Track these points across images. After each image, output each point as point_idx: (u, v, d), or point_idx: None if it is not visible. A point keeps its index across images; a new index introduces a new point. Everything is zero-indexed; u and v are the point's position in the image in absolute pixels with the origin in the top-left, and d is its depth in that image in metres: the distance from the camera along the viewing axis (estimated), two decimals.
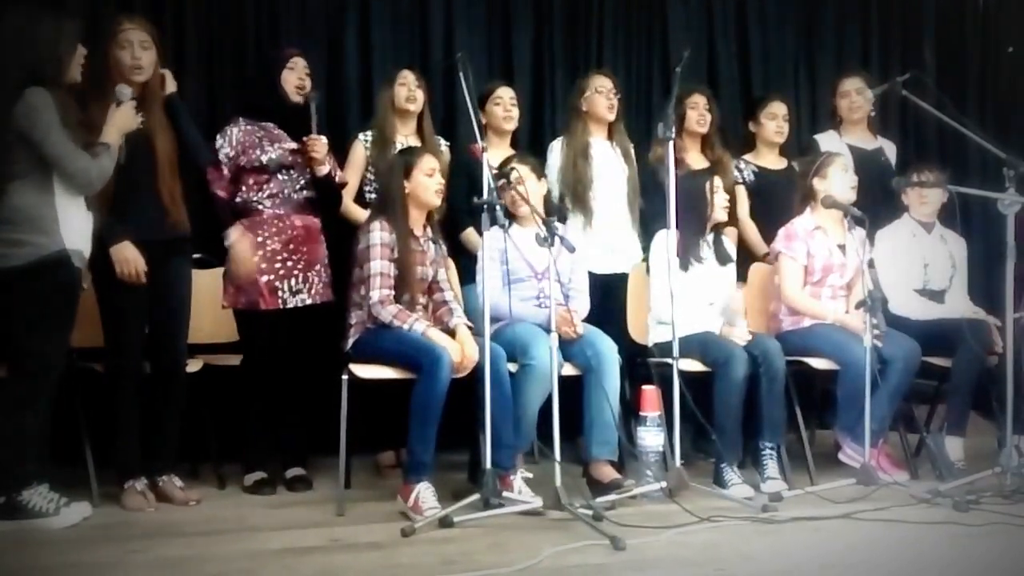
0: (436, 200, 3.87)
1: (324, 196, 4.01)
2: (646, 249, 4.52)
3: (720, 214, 4.25)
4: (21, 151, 3.28)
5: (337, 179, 4.05)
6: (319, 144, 3.86)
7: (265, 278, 3.85)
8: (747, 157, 4.89)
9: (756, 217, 4.78)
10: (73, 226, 3.36)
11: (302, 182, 3.94)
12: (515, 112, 4.53)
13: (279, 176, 3.90)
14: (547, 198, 4.19)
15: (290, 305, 3.87)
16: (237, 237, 3.83)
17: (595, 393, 3.84)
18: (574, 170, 4.47)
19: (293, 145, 3.91)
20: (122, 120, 3.44)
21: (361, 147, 4.34)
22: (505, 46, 5.12)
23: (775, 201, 4.67)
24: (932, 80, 5.23)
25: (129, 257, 3.54)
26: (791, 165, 4.86)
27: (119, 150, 3.43)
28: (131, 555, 3.06)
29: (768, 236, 4.61)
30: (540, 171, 4.19)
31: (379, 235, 3.72)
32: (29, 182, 3.30)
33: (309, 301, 3.91)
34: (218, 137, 3.89)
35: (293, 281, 3.89)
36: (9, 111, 3.25)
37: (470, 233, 4.27)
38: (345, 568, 2.97)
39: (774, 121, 4.85)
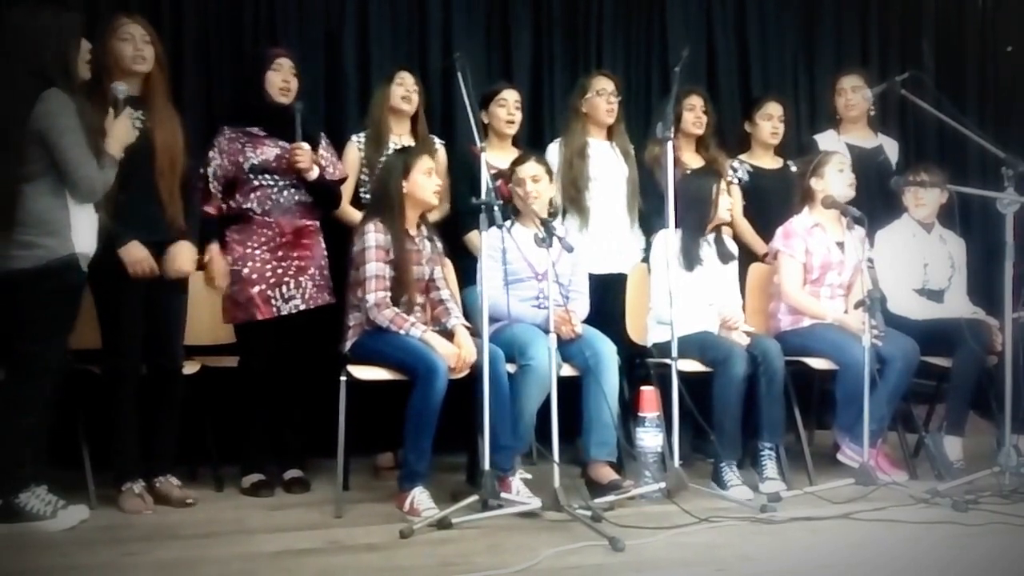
0: (434, 200, 3.87)
1: (318, 198, 4.00)
2: (648, 250, 4.52)
3: (723, 215, 4.25)
4: (37, 152, 3.27)
5: (337, 175, 4.04)
6: (302, 152, 3.84)
7: (257, 288, 3.85)
8: (742, 157, 4.90)
9: (750, 217, 4.78)
10: (82, 229, 3.36)
11: (291, 187, 3.92)
12: (518, 116, 4.52)
13: (265, 181, 3.89)
14: (551, 199, 4.20)
15: (284, 312, 3.87)
16: (212, 256, 3.86)
17: (594, 394, 3.83)
18: (570, 170, 4.46)
19: (277, 150, 3.89)
20: (122, 133, 3.43)
21: (355, 148, 4.33)
22: (504, 46, 5.12)
23: (770, 201, 4.69)
24: (931, 79, 5.23)
25: (140, 257, 3.54)
26: (786, 165, 4.87)
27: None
28: (129, 557, 3.06)
29: (762, 236, 4.64)
30: (552, 172, 4.21)
31: (374, 237, 3.71)
32: (43, 184, 3.29)
33: (303, 306, 3.90)
34: (210, 153, 3.89)
35: (284, 288, 3.88)
36: (19, 112, 3.25)
37: (474, 236, 4.25)
38: (343, 570, 2.96)
39: (769, 122, 4.85)
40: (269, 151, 3.90)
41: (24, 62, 3.29)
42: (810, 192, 4.35)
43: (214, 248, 3.87)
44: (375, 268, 3.68)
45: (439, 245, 3.99)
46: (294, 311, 3.88)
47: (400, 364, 3.64)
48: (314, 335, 3.94)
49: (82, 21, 3.43)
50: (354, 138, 4.35)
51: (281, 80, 3.93)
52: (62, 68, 3.32)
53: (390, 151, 4.22)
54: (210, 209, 3.88)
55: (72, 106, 3.28)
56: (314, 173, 3.89)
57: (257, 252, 3.88)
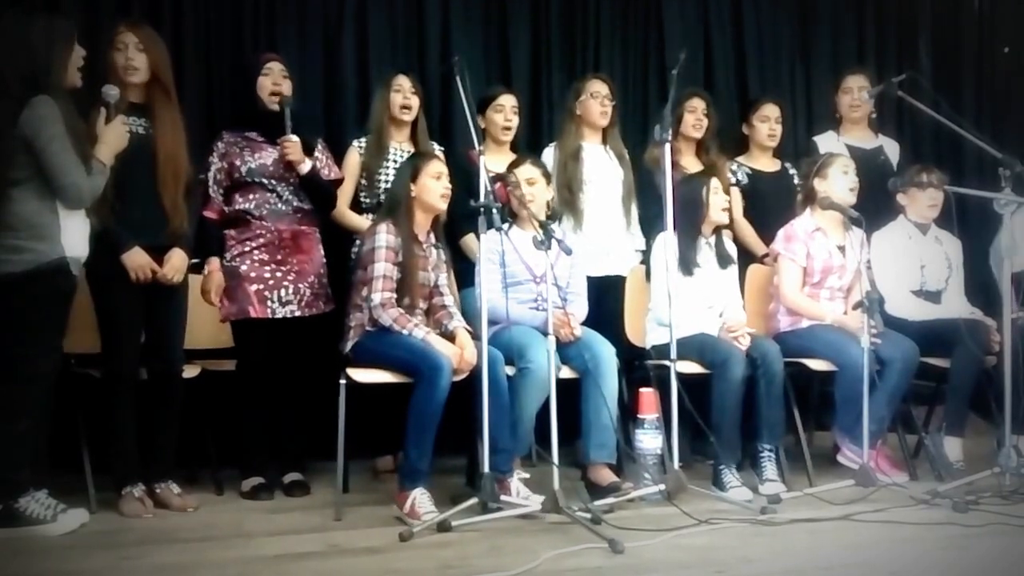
0: (442, 204, 3.86)
1: (315, 199, 4.01)
2: (647, 253, 4.52)
3: (719, 216, 4.24)
4: (24, 157, 3.28)
5: (332, 175, 4.05)
6: (291, 145, 3.86)
7: (254, 287, 3.86)
8: (740, 159, 4.91)
9: (749, 219, 4.79)
10: (72, 233, 3.36)
11: (289, 192, 3.93)
12: (515, 120, 4.53)
13: (263, 186, 3.90)
14: (548, 202, 4.20)
15: (279, 315, 3.87)
16: (211, 271, 3.87)
17: (593, 396, 3.83)
18: (564, 173, 4.46)
19: (274, 155, 3.90)
20: (114, 139, 3.43)
21: (356, 154, 4.32)
22: (502, 49, 5.12)
23: (768, 203, 4.70)
24: (928, 81, 5.24)
25: (142, 263, 3.57)
26: (784, 167, 4.87)
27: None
28: (128, 561, 3.06)
29: (761, 238, 4.63)
30: (550, 175, 4.21)
31: (385, 238, 3.71)
32: (32, 188, 3.29)
33: (299, 313, 3.90)
34: (210, 158, 3.91)
35: (282, 292, 3.88)
36: (8, 118, 3.25)
37: (470, 239, 4.26)
38: (342, 573, 2.96)
39: (766, 124, 4.86)
40: (267, 156, 3.92)
41: (14, 68, 3.29)
42: (812, 193, 4.35)
43: (214, 263, 3.88)
44: (383, 268, 3.68)
45: (445, 253, 3.99)
46: (290, 316, 3.88)
47: (403, 364, 3.64)
48: (313, 337, 3.94)
49: (74, 28, 3.42)
50: (355, 143, 4.35)
51: (271, 84, 3.95)
52: (52, 75, 3.32)
53: (390, 158, 4.23)
54: (211, 214, 3.90)
55: (60, 113, 3.28)
56: (306, 166, 3.90)
57: (255, 252, 3.88)
